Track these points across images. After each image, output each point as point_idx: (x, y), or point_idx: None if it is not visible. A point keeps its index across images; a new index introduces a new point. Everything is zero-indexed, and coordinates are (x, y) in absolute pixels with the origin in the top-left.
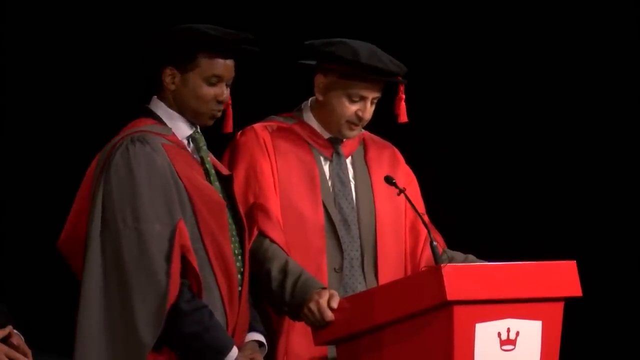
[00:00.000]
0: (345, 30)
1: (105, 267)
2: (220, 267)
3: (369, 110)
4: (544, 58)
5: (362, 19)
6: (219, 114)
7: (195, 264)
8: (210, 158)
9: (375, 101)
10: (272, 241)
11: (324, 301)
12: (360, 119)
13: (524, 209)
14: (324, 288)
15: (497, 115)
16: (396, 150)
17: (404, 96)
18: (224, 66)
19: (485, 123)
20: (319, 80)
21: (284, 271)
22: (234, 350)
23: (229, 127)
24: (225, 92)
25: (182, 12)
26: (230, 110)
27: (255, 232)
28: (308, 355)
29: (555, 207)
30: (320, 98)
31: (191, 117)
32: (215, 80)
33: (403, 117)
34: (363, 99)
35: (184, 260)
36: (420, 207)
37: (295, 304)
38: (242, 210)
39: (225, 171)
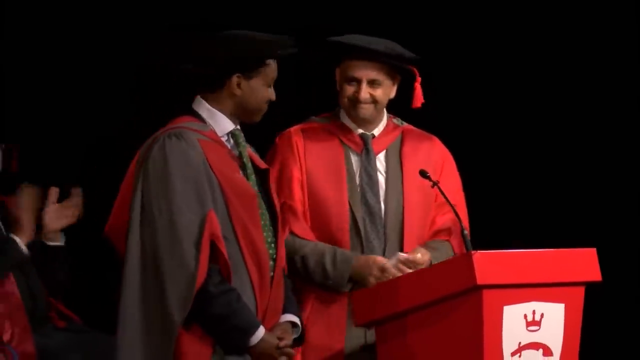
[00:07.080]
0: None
1: (143, 253)
2: (250, 254)
3: (364, 91)
4: (558, 50)
5: (381, 16)
6: None
7: (224, 250)
8: (248, 152)
9: (376, 84)
10: (297, 236)
11: (386, 264)
12: (357, 99)
13: (549, 201)
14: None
15: (518, 106)
16: (436, 139)
17: (418, 83)
18: (276, 69)
19: (508, 114)
20: (337, 72)
21: (319, 250)
22: (260, 331)
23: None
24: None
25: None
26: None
27: (288, 230)
28: (324, 345)
29: (578, 200)
30: (338, 89)
31: (246, 117)
32: (272, 83)
33: (416, 103)
34: (356, 80)
35: (214, 247)
36: (457, 182)
37: (339, 276)
38: (276, 202)
39: (262, 165)
